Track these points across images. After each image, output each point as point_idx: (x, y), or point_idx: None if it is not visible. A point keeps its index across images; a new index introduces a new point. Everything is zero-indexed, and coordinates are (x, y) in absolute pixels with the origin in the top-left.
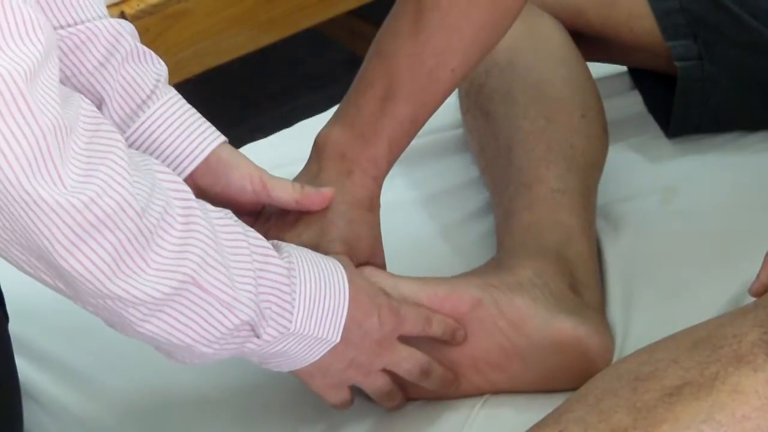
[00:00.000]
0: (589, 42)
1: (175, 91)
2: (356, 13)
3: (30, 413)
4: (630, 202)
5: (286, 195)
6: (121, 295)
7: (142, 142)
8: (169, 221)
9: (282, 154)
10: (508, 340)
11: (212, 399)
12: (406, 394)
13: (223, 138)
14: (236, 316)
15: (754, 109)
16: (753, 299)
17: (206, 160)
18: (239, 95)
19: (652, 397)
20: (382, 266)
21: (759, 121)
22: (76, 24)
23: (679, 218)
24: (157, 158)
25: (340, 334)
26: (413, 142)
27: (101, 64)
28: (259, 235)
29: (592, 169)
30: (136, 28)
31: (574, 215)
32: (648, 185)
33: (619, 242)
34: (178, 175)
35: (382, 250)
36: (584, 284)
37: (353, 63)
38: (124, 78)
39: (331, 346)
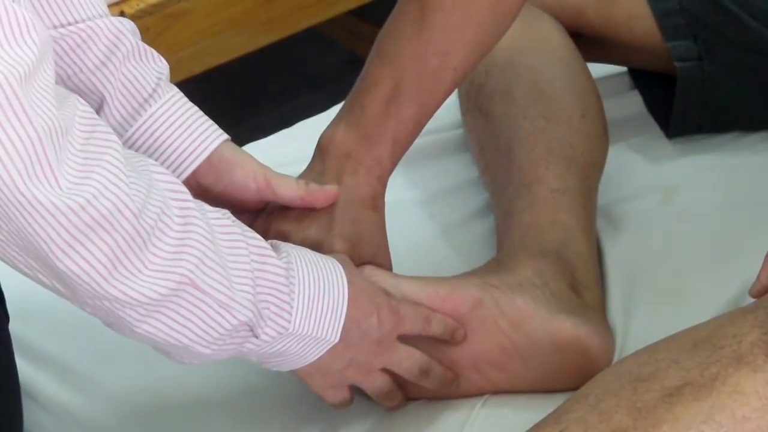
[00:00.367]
0: (589, 42)
1: (177, 89)
2: (356, 13)
3: (30, 413)
4: (630, 202)
5: (291, 192)
6: (117, 296)
7: (144, 141)
8: (166, 222)
9: (282, 154)
10: (509, 339)
11: (213, 398)
12: (406, 393)
13: (225, 136)
14: (234, 316)
15: (754, 109)
16: (753, 300)
17: (209, 158)
18: (239, 95)
19: (653, 398)
20: (387, 266)
21: (759, 121)
22: (76, 22)
23: (679, 218)
24: (159, 157)
25: (339, 334)
26: (426, 139)
27: (102, 63)
28: (257, 235)
29: (592, 169)
30: (136, 27)
31: (574, 215)
32: (648, 185)
33: (619, 242)
34: (181, 174)
35: (388, 250)
36: (584, 284)
37: (353, 63)
38: (126, 77)
39: (330, 345)
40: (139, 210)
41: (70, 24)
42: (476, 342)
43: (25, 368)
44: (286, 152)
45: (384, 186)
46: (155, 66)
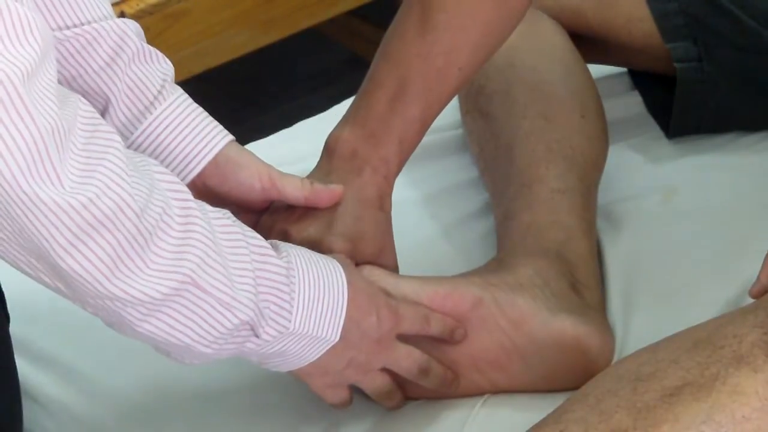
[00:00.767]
0: (589, 44)
1: (182, 91)
2: (356, 13)
3: (30, 413)
4: (630, 202)
5: (296, 191)
6: (119, 296)
7: (150, 143)
8: (168, 222)
9: (282, 154)
10: (509, 339)
11: (213, 398)
12: (406, 393)
13: (230, 137)
14: (236, 316)
15: (753, 109)
16: (753, 300)
17: (214, 159)
18: (239, 95)
19: (653, 398)
20: (391, 266)
21: (758, 121)
22: (82, 24)
23: (679, 218)
24: (165, 159)
25: (339, 334)
26: (426, 140)
27: (107, 64)
28: (258, 235)
29: (592, 169)
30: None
31: (574, 215)
32: (648, 185)
33: (619, 242)
34: (187, 175)
35: (393, 250)
36: (585, 284)
37: (353, 63)
38: (131, 78)
39: (330, 345)
40: (141, 209)
41: (75, 26)
42: (476, 341)
43: (25, 369)
44: (286, 152)
45: (391, 186)
46: (160, 67)
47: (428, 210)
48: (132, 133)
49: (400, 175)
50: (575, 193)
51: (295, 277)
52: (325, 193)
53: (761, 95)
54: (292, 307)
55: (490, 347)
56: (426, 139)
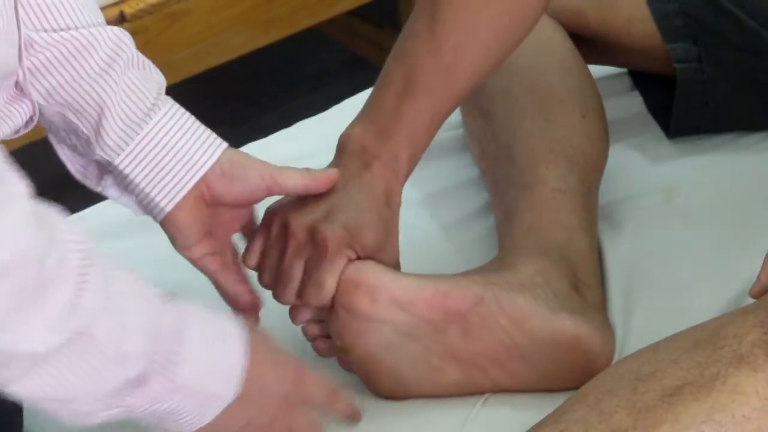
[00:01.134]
0: (589, 44)
1: (173, 101)
2: (356, 13)
3: (29, 412)
4: (630, 202)
5: (296, 182)
6: (3, 348)
7: (150, 151)
8: (64, 273)
9: (282, 154)
10: (509, 337)
11: None
12: (407, 393)
13: (225, 143)
14: (127, 369)
15: (753, 109)
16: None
17: (219, 164)
18: (239, 95)
19: (653, 398)
20: (393, 262)
21: (759, 121)
22: (76, 28)
23: (679, 218)
24: (166, 165)
25: (234, 391)
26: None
27: (104, 70)
28: (152, 288)
29: (592, 169)
30: (136, 27)
31: (575, 215)
32: (648, 185)
33: (619, 242)
34: (189, 180)
35: (395, 247)
36: (586, 284)
37: (353, 63)
38: (128, 86)
39: (226, 403)
40: (39, 261)
41: (70, 29)
42: (477, 339)
43: None
44: (285, 152)
45: (400, 182)
46: (154, 77)
47: (428, 210)
48: (132, 139)
49: None
50: (576, 192)
51: (187, 330)
52: (323, 176)
53: (761, 95)
54: (181, 359)
55: (490, 345)
56: (438, 137)
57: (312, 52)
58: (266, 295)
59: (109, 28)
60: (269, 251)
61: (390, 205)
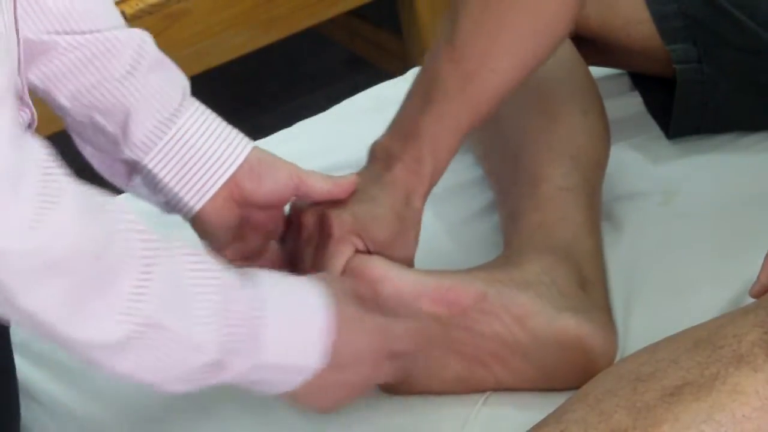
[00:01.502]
0: (589, 46)
1: (198, 102)
2: (356, 13)
3: (29, 411)
4: (630, 202)
5: (321, 187)
6: (79, 339)
7: (178, 151)
8: (129, 263)
9: (282, 154)
10: (512, 335)
11: (212, 395)
12: (410, 388)
13: (253, 143)
14: (203, 354)
15: (753, 110)
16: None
17: (247, 161)
18: (239, 95)
19: (652, 398)
20: (406, 260)
21: (759, 121)
22: (100, 31)
23: (680, 218)
24: (195, 164)
25: (318, 361)
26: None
27: (129, 72)
28: (230, 269)
29: (595, 167)
30: (136, 27)
31: (580, 213)
32: (648, 185)
33: (619, 242)
34: (219, 179)
35: (410, 247)
36: (592, 282)
37: (353, 63)
38: (153, 86)
39: (312, 372)
40: (97, 253)
41: (93, 32)
42: (479, 335)
43: (24, 367)
44: (286, 152)
45: (424, 185)
46: (178, 78)
47: (433, 208)
48: (161, 138)
49: None
50: (581, 191)
51: (266, 309)
52: (345, 182)
53: (761, 95)
54: (265, 337)
55: (492, 341)
56: None
57: (312, 52)
58: None
59: (131, 30)
60: (287, 242)
61: (409, 205)
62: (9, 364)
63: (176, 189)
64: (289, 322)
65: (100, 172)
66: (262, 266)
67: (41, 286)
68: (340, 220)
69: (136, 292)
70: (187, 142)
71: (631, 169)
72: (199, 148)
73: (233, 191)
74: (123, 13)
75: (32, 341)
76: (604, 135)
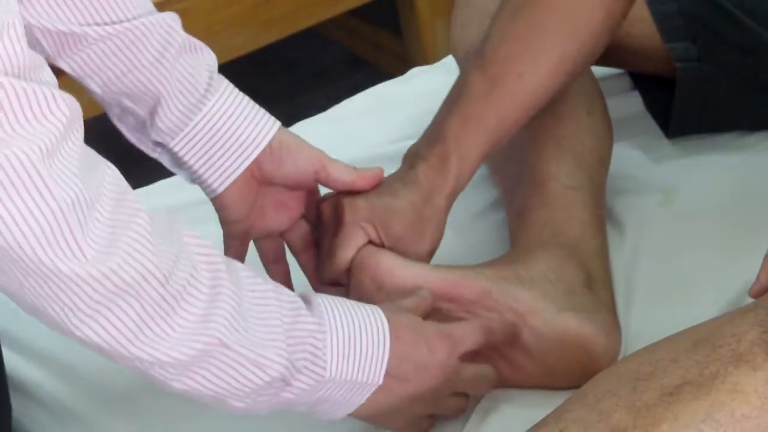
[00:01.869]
0: None
1: (227, 81)
2: (356, 13)
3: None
4: (630, 202)
5: (344, 176)
6: (144, 358)
7: (205, 134)
8: (196, 285)
9: None
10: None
11: None
12: None
13: (278, 122)
14: (266, 373)
15: (753, 109)
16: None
17: (269, 144)
18: None
19: (652, 397)
20: (419, 258)
21: (758, 121)
22: (128, 20)
23: (680, 218)
24: (220, 148)
25: (381, 376)
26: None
27: (157, 59)
28: (288, 290)
29: (599, 166)
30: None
31: (587, 211)
32: (648, 185)
33: (619, 242)
34: (243, 162)
35: (427, 245)
36: (599, 281)
37: (353, 63)
38: (180, 73)
39: (374, 387)
40: (165, 277)
41: (121, 22)
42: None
43: (13, 360)
44: None
45: (448, 184)
46: (205, 59)
47: None
48: (186, 125)
49: None
50: (586, 190)
51: (326, 326)
52: (369, 174)
53: (761, 95)
54: (326, 355)
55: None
56: None
57: (312, 52)
58: None
59: (159, 15)
60: (317, 227)
61: (430, 203)
62: None
63: (200, 172)
64: (350, 337)
65: (128, 137)
66: (288, 242)
67: (109, 310)
68: (353, 207)
69: (203, 313)
70: (212, 127)
71: (631, 168)
72: (224, 134)
73: (254, 170)
74: None
75: (19, 334)
76: (607, 134)
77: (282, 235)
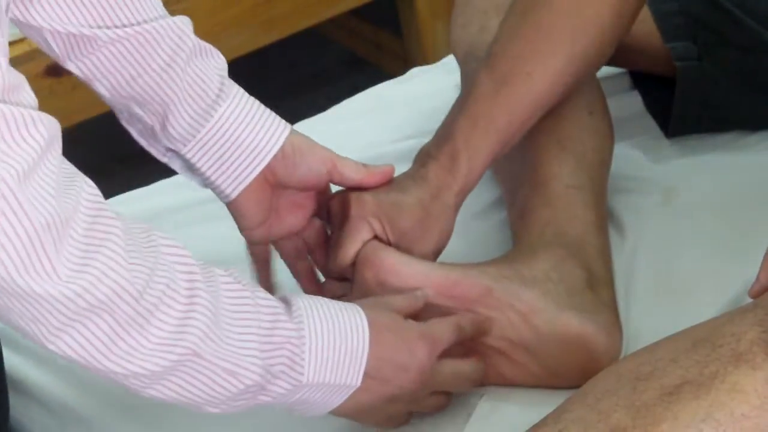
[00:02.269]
0: None
1: (237, 85)
2: (356, 13)
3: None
4: (630, 202)
5: (355, 175)
6: (117, 371)
7: (217, 141)
8: (172, 296)
9: None
10: (516, 331)
11: None
12: None
13: (290, 126)
14: (241, 381)
15: (753, 109)
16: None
17: (282, 149)
18: None
19: (651, 397)
20: (425, 255)
21: (758, 120)
22: (140, 23)
23: (679, 218)
24: (232, 154)
25: (360, 378)
26: (427, 140)
27: (167, 64)
28: (268, 296)
29: (601, 166)
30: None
31: (589, 211)
32: (648, 185)
33: (619, 242)
34: (255, 167)
35: (434, 243)
36: (601, 280)
37: (353, 63)
38: (192, 77)
39: (353, 389)
40: (139, 292)
41: (133, 25)
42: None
43: (11, 359)
44: None
45: (457, 182)
46: (216, 63)
47: None
48: (198, 131)
49: None
50: (588, 189)
51: (305, 331)
52: (379, 171)
53: (761, 95)
54: (303, 361)
55: (496, 336)
56: None
57: (312, 52)
58: None
59: (171, 19)
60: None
61: (439, 200)
62: None
63: (213, 178)
64: (329, 342)
65: (138, 140)
66: (305, 240)
67: (82, 325)
68: (359, 202)
69: (177, 324)
70: (224, 134)
71: (631, 168)
72: (236, 139)
73: (267, 176)
74: None
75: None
76: (609, 134)
77: (298, 233)
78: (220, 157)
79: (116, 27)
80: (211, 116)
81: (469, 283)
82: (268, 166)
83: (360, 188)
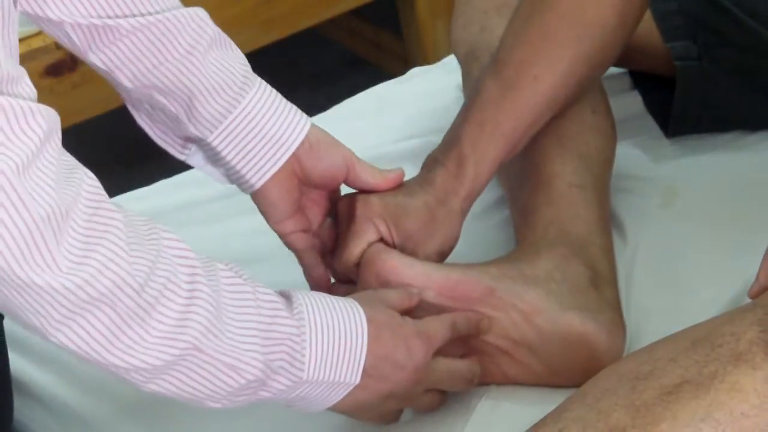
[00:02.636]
0: None
1: (259, 78)
2: (356, 13)
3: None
4: (630, 202)
5: (370, 178)
6: (119, 365)
7: (242, 130)
8: (174, 290)
9: None
10: (518, 330)
11: None
12: None
13: (310, 120)
14: (242, 376)
15: (753, 108)
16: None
17: (306, 140)
18: None
19: (651, 396)
20: (429, 258)
21: (758, 120)
22: (160, 12)
23: (679, 218)
24: (257, 143)
25: (359, 376)
26: (427, 140)
27: (189, 51)
28: (269, 290)
29: (604, 165)
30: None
31: (592, 210)
32: (648, 185)
33: (619, 242)
34: (281, 157)
35: (438, 245)
36: (605, 280)
37: (353, 63)
38: (215, 65)
39: (352, 387)
40: (141, 285)
41: (153, 13)
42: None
43: (16, 361)
44: None
45: (464, 187)
46: (236, 54)
47: None
48: (226, 117)
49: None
50: (591, 189)
51: (306, 327)
52: (392, 176)
53: (761, 95)
54: (304, 357)
55: (499, 336)
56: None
57: (312, 52)
58: None
59: (190, 9)
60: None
61: (445, 205)
62: (2, 357)
63: (238, 167)
64: (329, 339)
65: (153, 138)
66: (319, 238)
67: (83, 318)
68: (366, 203)
69: (179, 318)
70: (251, 121)
71: (631, 168)
72: (262, 128)
73: (295, 167)
74: None
75: (24, 335)
76: (611, 134)
77: (314, 232)
78: (246, 145)
79: (137, 16)
80: (239, 103)
81: (472, 284)
82: (296, 156)
83: (373, 189)
